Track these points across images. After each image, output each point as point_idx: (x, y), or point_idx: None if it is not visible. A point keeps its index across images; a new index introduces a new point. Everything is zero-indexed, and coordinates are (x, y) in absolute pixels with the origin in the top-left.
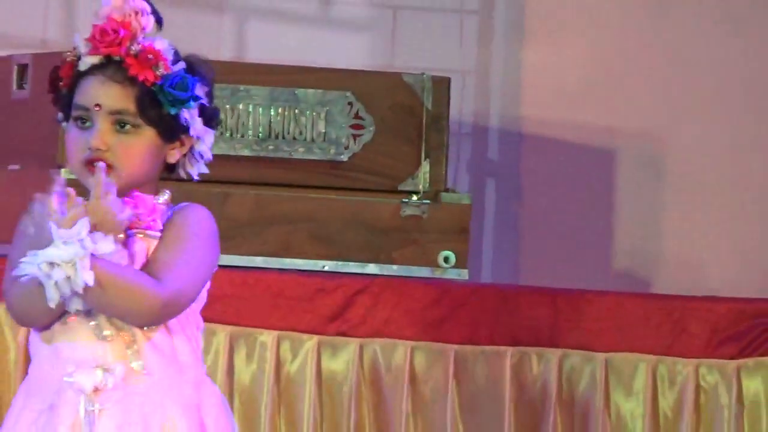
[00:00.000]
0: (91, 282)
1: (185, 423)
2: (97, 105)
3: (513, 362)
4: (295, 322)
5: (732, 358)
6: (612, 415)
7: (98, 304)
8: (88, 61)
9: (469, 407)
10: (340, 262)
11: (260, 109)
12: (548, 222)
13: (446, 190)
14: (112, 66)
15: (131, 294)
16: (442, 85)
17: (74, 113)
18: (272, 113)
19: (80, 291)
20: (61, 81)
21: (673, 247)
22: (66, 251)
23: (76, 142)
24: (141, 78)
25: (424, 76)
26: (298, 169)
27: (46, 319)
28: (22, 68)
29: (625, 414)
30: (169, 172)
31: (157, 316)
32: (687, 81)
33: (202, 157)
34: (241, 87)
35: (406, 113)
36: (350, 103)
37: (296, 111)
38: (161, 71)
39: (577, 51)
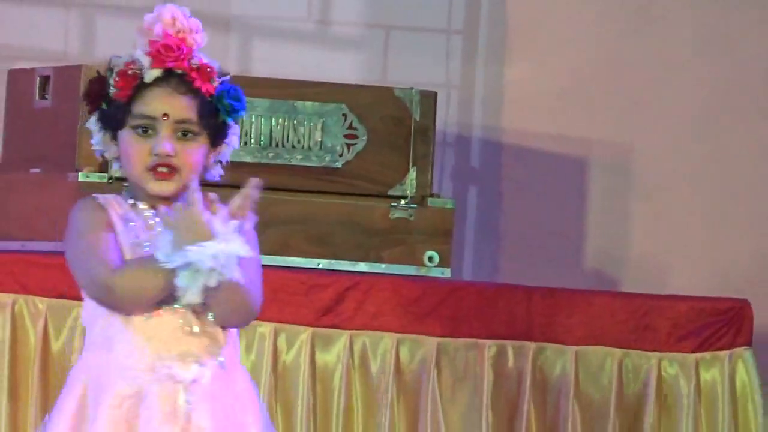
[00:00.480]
0: (237, 278)
1: (252, 413)
2: (165, 115)
3: (491, 354)
4: (291, 315)
5: (691, 351)
6: (582, 404)
7: (220, 300)
8: (153, 74)
9: (450, 395)
10: (333, 261)
11: (262, 119)
12: (525, 225)
13: (432, 196)
14: (174, 78)
15: (246, 295)
16: (429, 99)
17: (136, 122)
18: (273, 123)
19: (223, 285)
20: (118, 90)
21: (639, 250)
22: (228, 248)
23: (139, 149)
24: (204, 90)
25: (413, 90)
26: (296, 175)
27: (148, 307)
28: (44, 80)
29: (594, 403)
30: None
31: (254, 317)
32: (654, 96)
33: (221, 161)
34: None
35: (395, 124)
36: (344, 115)
37: (295, 121)
38: (216, 83)
39: (553, 68)
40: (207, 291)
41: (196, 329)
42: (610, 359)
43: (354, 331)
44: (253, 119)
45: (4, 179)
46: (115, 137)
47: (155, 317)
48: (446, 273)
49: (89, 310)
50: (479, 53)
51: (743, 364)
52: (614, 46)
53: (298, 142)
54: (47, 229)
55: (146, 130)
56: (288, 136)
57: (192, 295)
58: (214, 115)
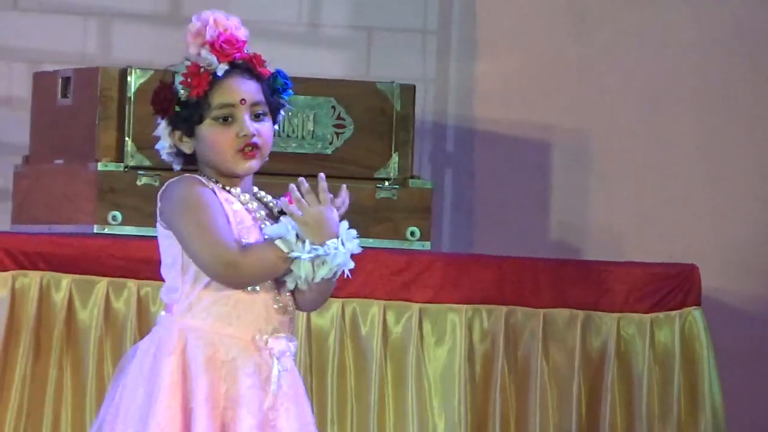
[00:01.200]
0: (348, 270)
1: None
2: (243, 100)
3: (467, 317)
4: None
5: (646, 312)
6: (549, 361)
7: (321, 289)
8: (223, 67)
9: (431, 355)
10: None
11: None
12: (496, 202)
13: (413, 177)
14: (239, 68)
15: (331, 285)
16: (408, 92)
17: (217, 113)
18: None
19: (334, 275)
20: (191, 89)
21: (597, 222)
22: (354, 243)
23: (226, 136)
24: (263, 73)
25: (394, 84)
26: (292, 161)
27: (255, 285)
28: (66, 81)
29: (560, 360)
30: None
31: None
32: (607, 85)
33: None
34: None
35: (379, 114)
36: (333, 107)
37: (289, 113)
38: (270, 67)
39: (518, 61)
40: (317, 281)
41: (289, 308)
42: (574, 320)
43: (345, 299)
44: (292, 112)
45: (32, 170)
46: (190, 134)
47: (254, 293)
48: (426, 246)
49: (186, 281)
50: (452, 50)
51: (693, 321)
52: (572, 42)
53: (293, 131)
54: (71, 213)
55: (227, 118)
56: (283, 127)
57: (303, 282)
58: (274, 95)
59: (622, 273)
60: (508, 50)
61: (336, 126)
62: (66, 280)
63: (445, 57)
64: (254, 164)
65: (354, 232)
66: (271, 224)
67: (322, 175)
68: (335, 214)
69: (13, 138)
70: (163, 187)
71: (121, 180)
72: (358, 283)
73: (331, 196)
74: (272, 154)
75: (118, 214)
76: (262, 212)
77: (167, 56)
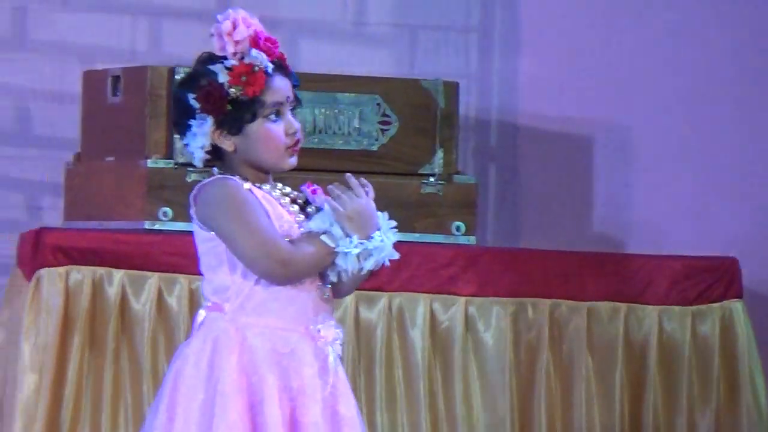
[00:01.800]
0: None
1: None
2: (289, 97)
3: (512, 311)
4: None
5: (688, 305)
6: (593, 353)
7: (358, 278)
8: (270, 65)
9: (477, 347)
10: None
11: (307, 109)
12: (539, 196)
13: (457, 173)
14: (279, 65)
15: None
16: (452, 88)
17: (269, 110)
18: (316, 113)
19: (378, 268)
20: (246, 87)
21: (640, 215)
22: (394, 233)
23: (278, 133)
24: (290, 70)
25: (438, 81)
26: (338, 158)
27: (302, 279)
28: (115, 79)
29: (604, 352)
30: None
31: None
32: (650, 80)
33: None
34: None
35: (423, 111)
36: (379, 104)
37: (336, 111)
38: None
39: (560, 57)
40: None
41: (327, 296)
42: (617, 313)
43: (392, 292)
44: (298, 110)
45: (84, 167)
46: (237, 132)
47: (300, 285)
48: (471, 240)
49: (236, 281)
50: (495, 47)
51: (734, 314)
52: (613, 37)
53: (339, 129)
54: (122, 209)
55: (277, 115)
56: (330, 124)
57: (345, 274)
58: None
59: (664, 266)
60: (549, 46)
61: (381, 123)
62: (118, 275)
63: (487, 53)
64: (296, 160)
65: (393, 222)
66: (303, 216)
67: (348, 174)
68: (373, 206)
69: (65, 135)
70: (196, 190)
71: (170, 177)
72: (404, 277)
73: (368, 189)
74: (319, 151)
75: (168, 209)
76: (295, 206)
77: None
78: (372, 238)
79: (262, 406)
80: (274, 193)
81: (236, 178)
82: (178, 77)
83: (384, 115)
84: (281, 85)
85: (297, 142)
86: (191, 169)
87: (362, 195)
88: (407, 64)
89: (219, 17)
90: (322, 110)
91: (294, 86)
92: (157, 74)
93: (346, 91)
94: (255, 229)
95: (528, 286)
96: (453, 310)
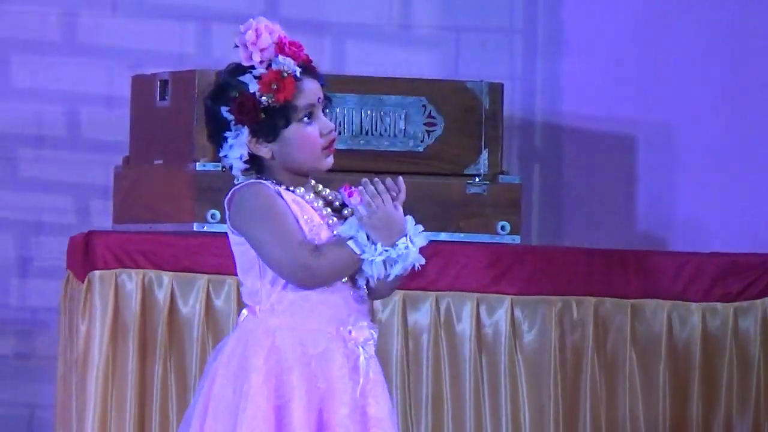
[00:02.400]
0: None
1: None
2: (320, 98)
3: (558, 308)
4: None
5: (730, 301)
6: (637, 350)
7: (392, 282)
8: (298, 69)
9: (523, 346)
10: None
11: (353, 111)
12: (583, 195)
13: (502, 173)
14: (307, 68)
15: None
16: (496, 90)
17: (302, 113)
18: (363, 115)
19: (407, 272)
20: (278, 93)
21: (683, 212)
22: (421, 238)
23: (313, 134)
24: (318, 71)
25: (482, 82)
26: (384, 159)
27: (329, 284)
28: (164, 83)
29: (648, 349)
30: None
31: None
32: (693, 79)
33: None
34: (338, 94)
35: (468, 113)
36: (424, 106)
37: (382, 113)
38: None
39: (604, 57)
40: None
41: (362, 297)
42: (661, 310)
43: (439, 292)
44: (345, 111)
45: (133, 170)
46: (273, 139)
47: (332, 286)
48: (516, 239)
49: (265, 285)
50: (538, 48)
51: None
52: (656, 36)
53: (385, 130)
54: (170, 212)
55: (310, 117)
56: (376, 126)
57: (372, 280)
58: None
59: (706, 263)
60: (593, 46)
61: (427, 124)
62: (167, 277)
63: (531, 55)
64: (332, 159)
65: (420, 227)
66: (336, 219)
67: (370, 179)
68: (401, 211)
69: (114, 139)
70: (229, 195)
71: (218, 179)
72: (451, 277)
73: (400, 190)
74: (365, 153)
75: (216, 212)
76: (328, 209)
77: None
78: (396, 245)
79: (288, 408)
80: (307, 197)
81: (268, 182)
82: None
83: (429, 116)
84: (311, 87)
85: (332, 141)
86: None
87: (388, 201)
88: (452, 66)
89: (241, 27)
90: (368, 112)
91: (322, 86)
92: (205, 78)
93: (392, 93)
94: (280, 234)
95: (572, 285)
96: (499, 309)
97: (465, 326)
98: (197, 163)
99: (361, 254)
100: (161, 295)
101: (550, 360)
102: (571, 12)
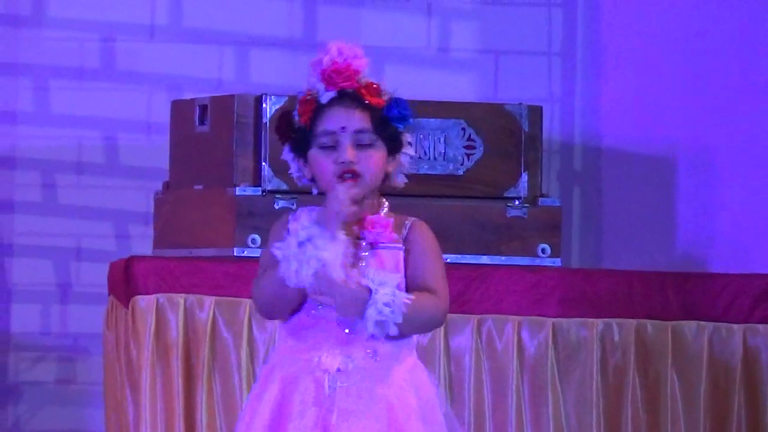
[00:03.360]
0: (400, 319)
1: (411, 398)
2: (343, 127)
3: (599, 330)
4: None
5: None
6: (679, 372)
7: (405, 328)
8: (328, 96)
9: (564, 367)
10: (459, 255)
11: None
12: (623, 218)
13: (542, 196)
14: (347, 96)
15: (431, 311)
16: (536, 112)
17: (320, 140)
18: None
19: (398, 320)
20: (300, 116)
21: (722, 234)
22: (386, 297)
23: (327, 161)
24: (374, 103)
25: (522, 105)
26: (425, 182)
27: (287, 314)
28: (203, 108)
29: (689, 372)
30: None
31: (441, 324)
32: (730, 101)
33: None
34: None
35: (508, 135)
36: (463, 129)
37: (421, 136)
38: (384, 97)
39: (642, 80)
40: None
41: (353, 327)
42: (702, 332)
43: (480, 315)
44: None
45: (172, 195)
46: (306, 159)
47: (317, 315)
48: (557, 262)
49: None
50: (577, 71)
51: None
52: (694, 59)
53: (425, 153)
54: (211, 237)
55: (330, 145)
56: (415, 149)
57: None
58: (386, 125)
59: (747, 284)
60: (631, 69)
61: (466, 147)
62: (209, 301)
63: (570, 77)
64: (352, 190)
65: (386, 280)
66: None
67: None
68: (351, 283)
69: (153, 164)
70: None
71: (258, 204)
72: (492, 300)
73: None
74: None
75: (257, 236)
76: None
77: (302, 81)
78: (366, 316)
79: (253, 422)
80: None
81: (301, 211)
82: (264, 105)
83: (469, 139)
84: (336, 115)
85: (350, 172)
86: (279, 196)
87: (338, 288)
88: (491, 89)
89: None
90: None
91: (390, 120)
92: (243, 103)
93: (432, 116)
94: (260, 265)
95: (613, 307)
96: (540, 331)
97: (507, 348)
98: (237, 188)
99: (283, 274)
100: (203, 320)
101: (591, 382)
102: (610, 34)
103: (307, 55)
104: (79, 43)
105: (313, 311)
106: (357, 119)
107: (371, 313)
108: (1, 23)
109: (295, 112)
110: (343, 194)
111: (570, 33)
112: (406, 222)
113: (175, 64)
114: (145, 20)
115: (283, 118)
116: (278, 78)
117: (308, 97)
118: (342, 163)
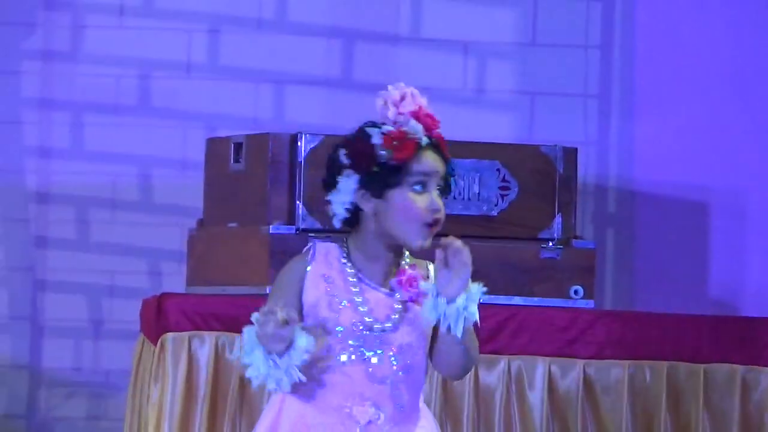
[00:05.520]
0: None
1: None
2: (437, 172)
3: (630, 373)
4: None
5: None
6: (711, 413)
7: (447, 358)
8: (426, 139)
9: (594, 409)
10: (492, 295)
11: None
12: (656, 260)
13: (576, 237)
14: (433, 143)
15: (476, 342)
16: (571, 154)
17: (415, 179)
18: None
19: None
20: (395, 152)
21: (755, 279)
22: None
23: (420, 205)
24: (448, 157)
25: (557, 147)
26: (459, 223)
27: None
28: (238, 146)
29: (721, 415)
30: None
31: (478, 361)
32: (765, 145)
33: None
34: None
35: (542, 177)
36: (498, 170)
37: (456, 176)
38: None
39: (676, 123)
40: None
41: (385, 377)
42: (734, 376)
43: (511, 356)
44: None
45: (207, 233)
46: (379, 196)
47: (346, 363)
48: (590, 304)
49: None
50: (612, 113)
51: None
52: (728, 102)
53: (459, 194)
54: (244, 275)
55: (421, 187)
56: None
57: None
58: (447, 178)
59: None
60: (666, 112)
61: (501, 188)
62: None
63: (605, 120)
64: (429, 242)
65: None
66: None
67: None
68: (282, 332)
69: (188, 202)
70: None
71: (292, 242)
72: (523, 340)
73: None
74: None
75: None
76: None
77: (338, 120)
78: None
79: None
80: (350, 279)
81: (334, 245)
82: (299, 144)
83: (504, 180)
84: (431, 160)
85: (437, 221)
86: (313, 234)
87: (268, 338)
88: (526, 130)
89: (390, 86)
90: None
91: (449, 174)
92: (278, 141)
93: (466, 156)
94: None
95: (645, 349)
96: (571, 373)
97: (537, 389)
98: (271, 226)
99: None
100: (234, 358)
101: (621, 424)
102: (645, 76)
103: (344, 93)
104: (115, 79)
105: (341, 367)
106: (442, 167)
107: (453, 309)
108: (38, 59)
109: (378, 146)
110: (427, 243)
111: (606, 75)
112: (429, 267)
113: (211, 102)
114: (182, 57)
115: (367, 148)
116: (314, 117)
117: (408, 136)
118: (435, 210)
